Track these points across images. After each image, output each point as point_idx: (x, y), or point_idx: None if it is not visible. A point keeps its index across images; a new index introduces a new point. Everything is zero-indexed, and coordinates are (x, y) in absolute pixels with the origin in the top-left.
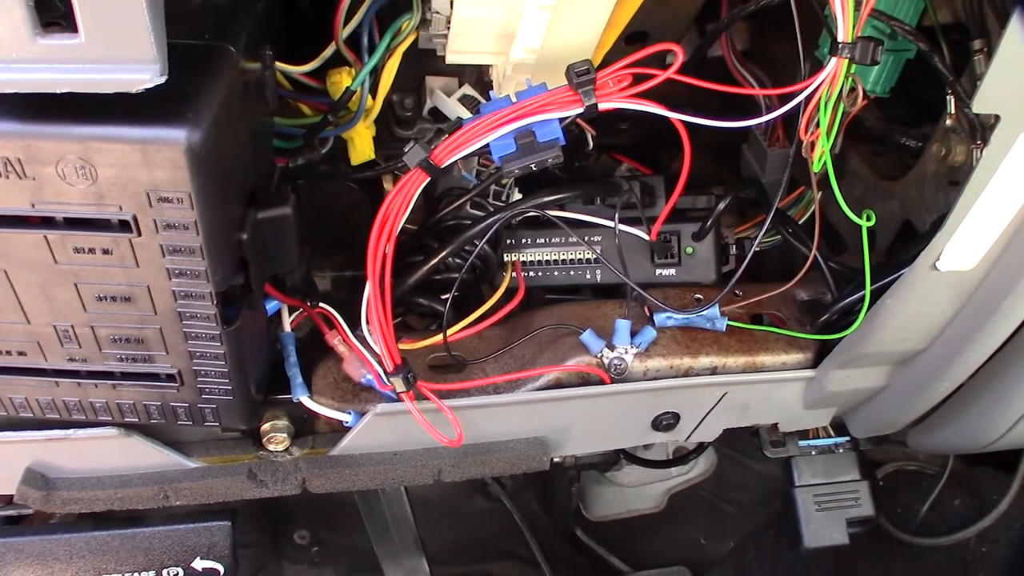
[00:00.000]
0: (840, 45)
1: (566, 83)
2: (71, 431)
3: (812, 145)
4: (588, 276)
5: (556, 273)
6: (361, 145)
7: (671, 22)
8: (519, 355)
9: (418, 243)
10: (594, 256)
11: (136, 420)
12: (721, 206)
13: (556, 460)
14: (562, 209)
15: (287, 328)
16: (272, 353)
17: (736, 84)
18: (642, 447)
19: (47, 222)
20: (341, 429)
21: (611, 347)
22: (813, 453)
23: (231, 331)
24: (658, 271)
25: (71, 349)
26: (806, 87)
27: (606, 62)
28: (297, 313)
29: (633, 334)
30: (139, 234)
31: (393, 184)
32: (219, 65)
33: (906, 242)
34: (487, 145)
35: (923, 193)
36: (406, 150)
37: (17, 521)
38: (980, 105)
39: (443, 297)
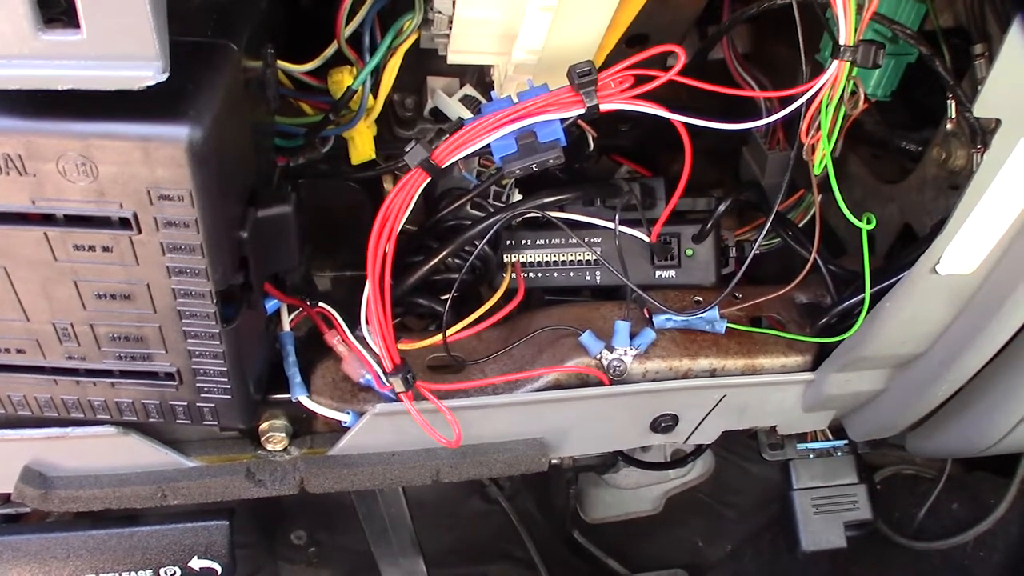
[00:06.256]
0: (842, 48)
1: (568, 84)
2: (69, 429)
3: (813, 148)
4: (588, 277)
5: (556, 274)
6: (362, 144)
7: (672, 24)
8: (518, 356)
9: (418, 243)
10: (594, 257)
11: (134, 419)
12: (721, 208)
13: (554, 462)
14: (562, 210)
15: (286, 327)
16: (271, 352)
17: (737, 87)
18: (640, 449)
19: (47, 219)
20: (340, 429)
21: (610, 348)
22: (811, 456)
23: (230, 330)
24: (658, 273)
25: (70, 347)
26: (808, 89)
27: (607, 64)
28: (296, 312)
29: (632, 336)
30: (139, 232)
31: (393, 184)
32: (221, 63)
33: (905, 246)
34: (488, 145)
35: (923, 197)
36: (407, 150)
37: (15, 519)
38: (981, 109)
39: (442, 298)
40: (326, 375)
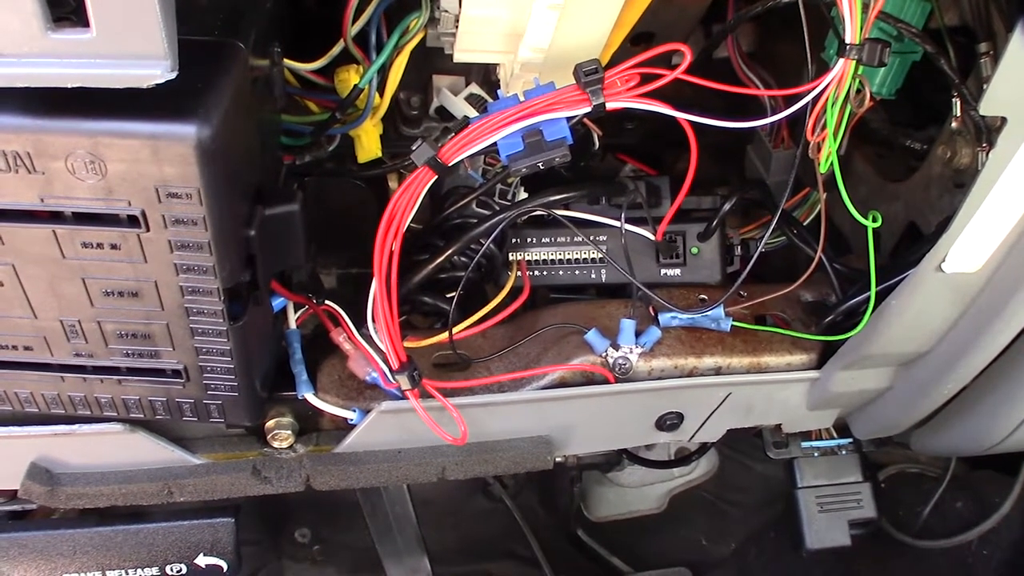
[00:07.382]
0: (848, 47)
1: (574, 82)
2: (76, 426)
3: (818, 146)
4: (593, 276)
5: (561, 272)
6: (368, 143)
7: (677, 23)
8: (524, 354)
9: (424, 242)
10: (599, 256)
11: (141, 416)
12: (727, 207)
13: (558, 460)
14: (568, 208)
15: (292, 325)
16: (278, 350)
17: (742, 85)
18: (644, 447)
19: (56, 217)
20: (346, 426)
21: (616, 347)
22: (816, 455)
23: (237, 327)
24: (663, 271)
25: (77, 344)
26: (813, 88)
27: (613, 62)
28: (303, 310)
29: (638, 334)
30: (147, 229)
31: (399, 182)
32: (229, 62)
33: (910, 244)
34: (494, 144)
35: (928, 195)
36: (413, 148)
37: (21, 516)
38: (986, 108)
39: (448, 296)
40: (332, 373)
